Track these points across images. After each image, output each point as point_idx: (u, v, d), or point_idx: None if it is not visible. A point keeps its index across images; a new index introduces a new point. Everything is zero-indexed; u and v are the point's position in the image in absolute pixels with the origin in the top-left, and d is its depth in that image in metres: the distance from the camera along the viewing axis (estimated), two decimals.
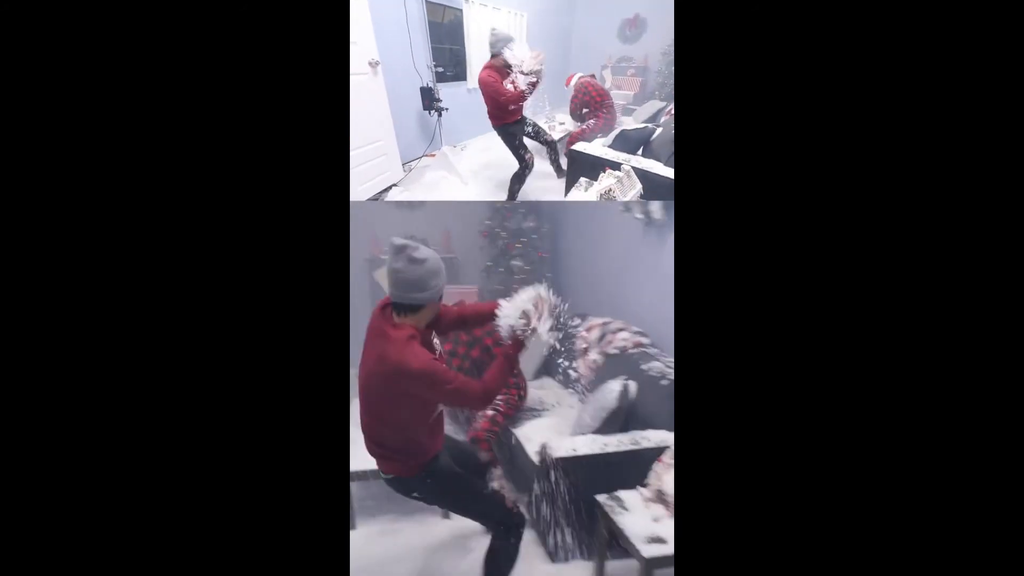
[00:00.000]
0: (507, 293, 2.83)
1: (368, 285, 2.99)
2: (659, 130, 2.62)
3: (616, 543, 1.36)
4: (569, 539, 1.52)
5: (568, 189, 2.32)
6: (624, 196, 2.05)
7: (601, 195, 2.00)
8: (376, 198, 2.23)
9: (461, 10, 3.07)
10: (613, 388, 1.66)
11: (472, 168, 2.67)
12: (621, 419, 1.63)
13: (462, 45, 3.15)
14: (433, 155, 2.72)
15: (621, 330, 2.07)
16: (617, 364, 1.88)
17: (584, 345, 2.18)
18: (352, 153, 2.00)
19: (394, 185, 2.36)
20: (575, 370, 2.20)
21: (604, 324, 2.15)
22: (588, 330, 2.22)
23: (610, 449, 1.49)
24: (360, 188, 2.04)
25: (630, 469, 1.44)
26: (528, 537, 1.45)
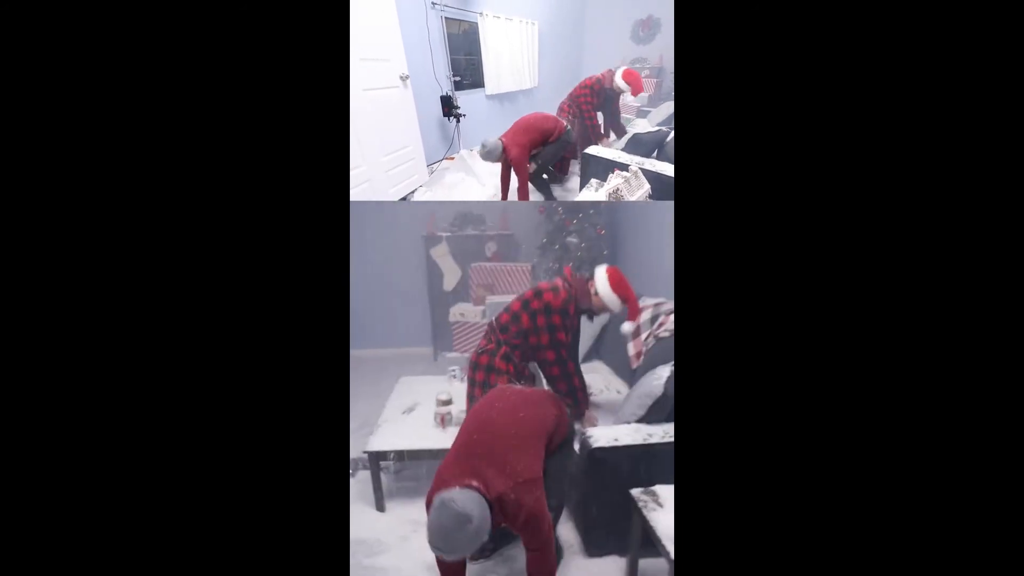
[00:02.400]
0: (560, 271, 3.01)
1: (426, 263, 3.26)
2: (673, 133, 3.01)
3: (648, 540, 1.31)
4: (604, 534, 1.52)
5: (581, 189, 2.72)
6: (632, 196, 2.39)
7: (609, 194, 2.38)
8: (404, 199, 2.68)
9: (476, 22, 3.57)
10: (661, 374, 1.62)
11: (489, 170, 3.11)
12: (668, 408, 1.60)
13: (478, 54, 3.64)
14: (452, 158, 3.17)
15: (674, 312, 2.00)
16: (669, 348, 1.81)
17: (635, 326, 2.13)
18: (384, 159, 2.44)
19: (420, 186, 2.81)
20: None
21: (657, 305, 2.12)
22: (641, 310, 2.12)
23: (654, 440, 1.49)
24: (391, 190, 2.49)
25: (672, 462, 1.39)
26: (564, 530, 1.56)
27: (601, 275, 1.76)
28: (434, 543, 1.02)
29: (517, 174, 2.40)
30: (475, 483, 1.09)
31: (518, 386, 1.36)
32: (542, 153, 2.53)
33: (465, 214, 3.28)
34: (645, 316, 2.14)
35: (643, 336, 2.11)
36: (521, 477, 1.12)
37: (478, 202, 3.23)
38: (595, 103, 3.09)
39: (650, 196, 2.34)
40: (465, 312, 3.11)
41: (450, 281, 3.30)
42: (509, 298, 2.92)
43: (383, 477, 1.87)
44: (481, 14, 3.54)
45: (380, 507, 1.83)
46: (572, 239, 2.99)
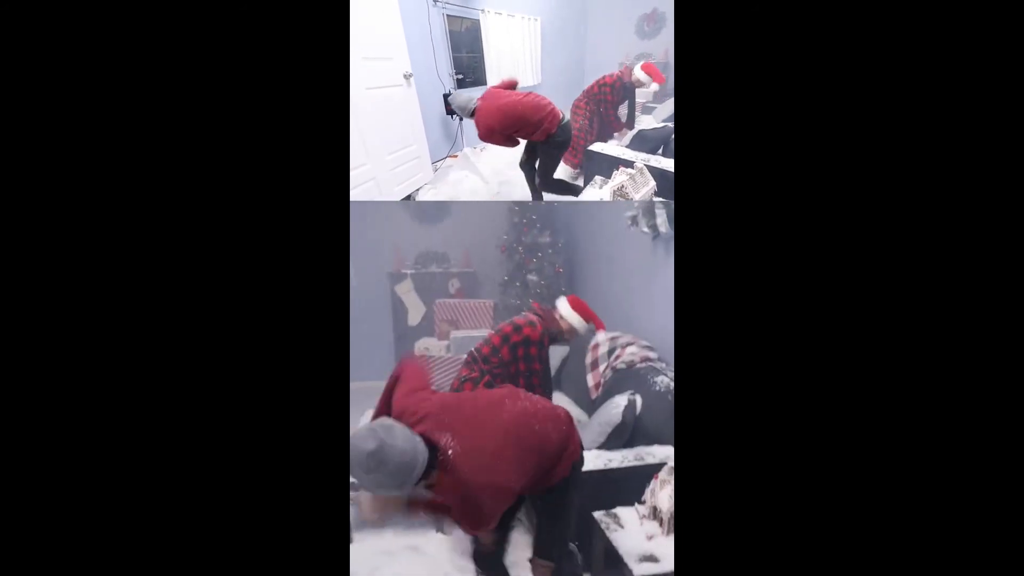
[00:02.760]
0: (523, 308, 3.19)
1: (390, 299, 3.44)
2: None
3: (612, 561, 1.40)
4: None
5: (584, 187, 2.74)
6: (636, 193, 2.41)
7: (614, 192, 2.39)
8: (409, 197, 2.71)
9: (478, 19, 3.59)
10: (619, 403, 1.77)
11: (492, 168, 3.14)
12: (626, 434, 1.74)
13: (480, 52, 3.66)
14: (456, 156, 3.20)
15: (630, 344, 2.24)
16: (625, 378, 2.02)
17: (593, 359, 2.39)
18: (388, 157, 2.47)
19: (425, 185, 2.84)
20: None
21: (613, 338, 2.34)
22: (597, 345, 2.38)
23: (613, 465, 1.60)
24: (396, 189, 2.52)
25: (633, 485, 1.53)
26: (526, 553, 1.55)
27: (562, 301, 2.02)
28: (352, 465, 0.96)
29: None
30: (435, 436, 1.04)
31: (531, 396, 1.30)
32: (540, 165, 2.30)
33: (428, 252, 3.52)
34: (603, 350, 2.37)
35: (601, 368, 2.32)
36: (495, 483, 1.05)
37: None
38: (615, 100, 3.14)
39: (656, 193, 2.36)
40: (430, 347, 3.27)
41: (414, 317, 3.47)
42: (473, 333, 3.12)
43: (351, 508, 1.89)
44: (483, 11, 3.57)
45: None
46: (532, 277, 3.32)
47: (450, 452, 1.04)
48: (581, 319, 1.96)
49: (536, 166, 2.35)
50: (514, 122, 2.13)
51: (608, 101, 3.11)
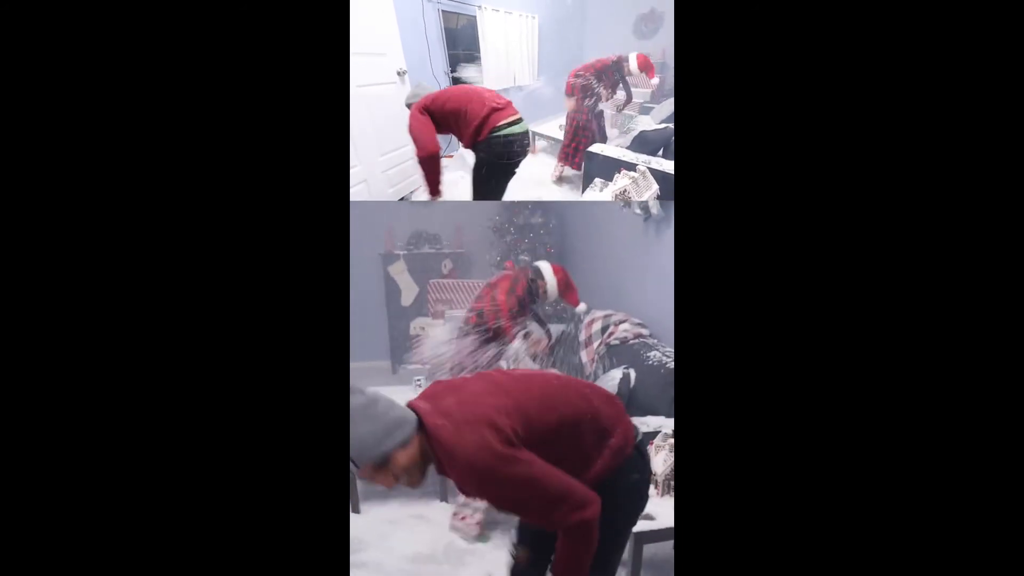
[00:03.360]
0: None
1: (383, 280, 3.48)
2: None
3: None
4: None
5: (584, 190, 2.68)
6: (640, 196, 2.38)
7: (616, 196, 2.35)
8: (404, 198, 2.63)
9: (474, 15, 3.52)
10: (614, 376, 1.93)
11: None
12: None
13: (476, 50, 3.60)
14: (451, 156, 3.13)
15: (623, 322, 2.42)
16: (619, 354, 2.18)
17: (587, 336, 2.55)
18: (382, 158, 2.39)
19: (420, 187, 2.77)
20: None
21: (606, 316, 2.53)
22: (591, 322, 2.57)
23: None
24: (389, 191, 2.44)
25: None
26: None
27: (545, 263, 2.07)
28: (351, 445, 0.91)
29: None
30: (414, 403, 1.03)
31: (569, 379, 1.21)
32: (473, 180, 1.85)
33: (420, 233, 3.62)
34: (596, 327, 2.51)
35: (595, 345, 2.44)
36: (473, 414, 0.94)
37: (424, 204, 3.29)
38: (605, 72, 3.10)
39: (659, 197, 2.33)
40: (425, 326, 3.32)
41: (408, 297, 3.56)
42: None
43: (357, 480, 1.97)
44: (480, 7, 3.50)
45: (356, 509, 1.97)
46: (524, 257, 3.48)
47: (425, 414, 1.01)
48: (556, 282, 1.98)
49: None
50: (439, 107, 1.65)
51: (596, 70, 3.05)
